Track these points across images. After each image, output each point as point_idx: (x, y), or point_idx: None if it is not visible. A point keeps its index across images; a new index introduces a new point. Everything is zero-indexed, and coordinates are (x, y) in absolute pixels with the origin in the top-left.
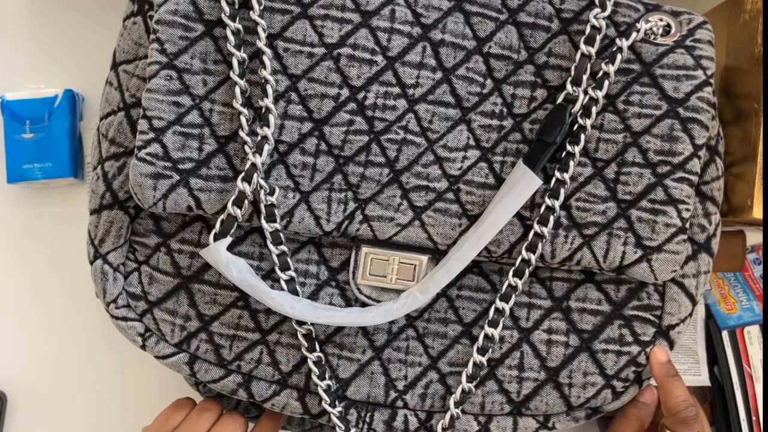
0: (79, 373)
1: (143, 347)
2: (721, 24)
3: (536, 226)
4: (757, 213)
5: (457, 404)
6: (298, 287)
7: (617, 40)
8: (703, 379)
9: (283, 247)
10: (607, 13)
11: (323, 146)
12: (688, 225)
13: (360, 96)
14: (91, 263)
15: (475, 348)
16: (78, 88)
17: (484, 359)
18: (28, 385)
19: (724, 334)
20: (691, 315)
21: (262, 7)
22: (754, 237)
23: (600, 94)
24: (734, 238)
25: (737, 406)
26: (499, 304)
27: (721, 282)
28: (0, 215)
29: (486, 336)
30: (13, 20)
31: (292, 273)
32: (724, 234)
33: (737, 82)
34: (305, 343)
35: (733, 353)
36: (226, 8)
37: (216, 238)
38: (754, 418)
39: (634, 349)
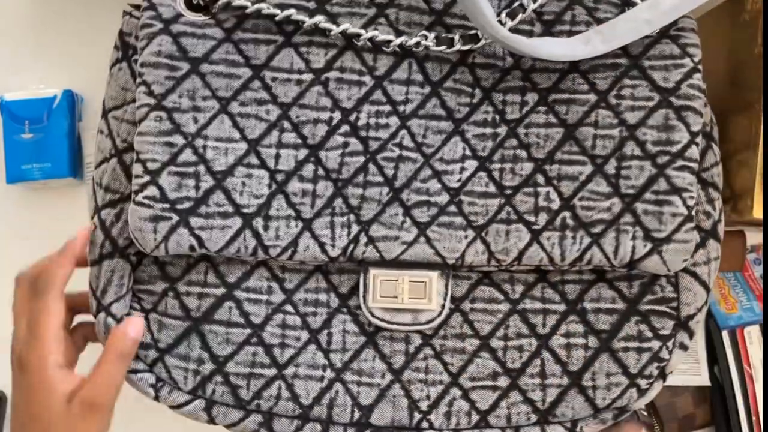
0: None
1: (156, 398)
2: (721, 24)
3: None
4: (757, 213)
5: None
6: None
7: None
8: (703, 379)
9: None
10: None
11: (321, 171)
12: (693, 213)
13: (352, 117)
14: (95, 317)
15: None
16: (77, 89)
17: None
18: None
19: (724, 334)
20: (706, 303)
21: None
22: (754, 237)
23: None
24: (734, 238)
25: (737, 406)
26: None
27: (721, 282)
28: None
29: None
30: (13, 20)
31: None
32: (724, 234)
33: (742, 75)
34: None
35: (733, 353)
36: None
37: None
38: (754, 418)
39: (655, 344)
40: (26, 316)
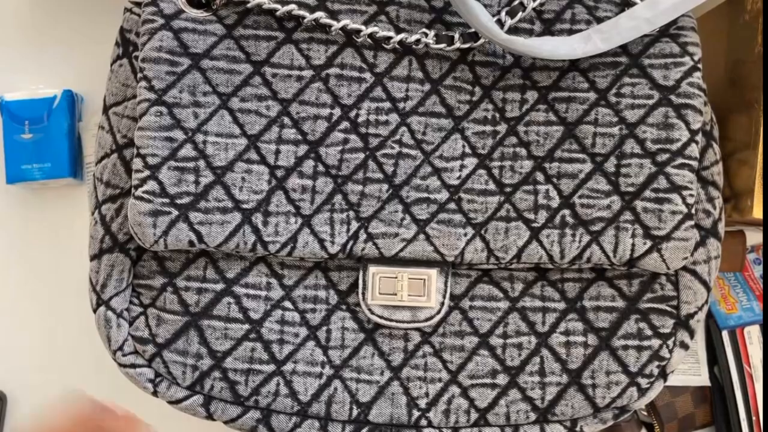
0: (79, 373)
1: (155, 393)
2: (721, 24)
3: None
4: (757, 213)
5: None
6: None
7: None
8: (703, 379)
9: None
10: None
11: (320, 167)
12: (693, 211)
13: (352, 114)
14: (95, 311)
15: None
16: (77, 89)
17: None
18: (28, 385)
19: (724, 334)
20: (707, 302)
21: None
22: (754, 237)
23: None
24: (734, 238)
25: (737, 406)
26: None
27: (721, 282)
28: None
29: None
30: (12, 21)
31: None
32: (725, 234)
33: (742, 74)
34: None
35: (733, 353)
36: None
37: None
38: (754, 418)
39: (655, 342)
40: None
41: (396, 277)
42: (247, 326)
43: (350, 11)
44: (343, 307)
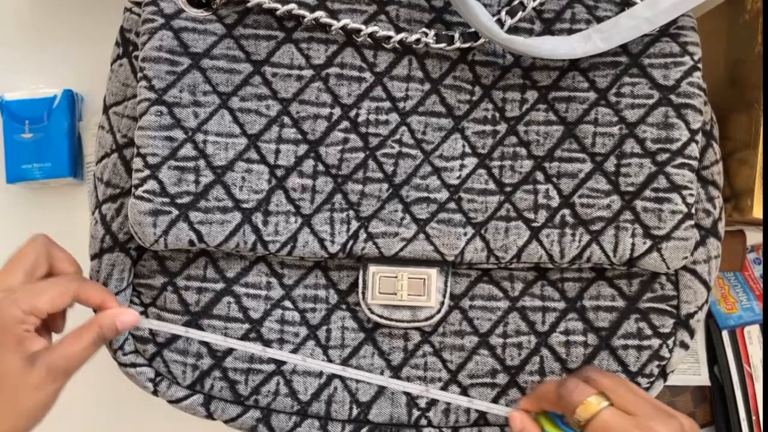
0: (79, 373)
1: (155, 393)
2: (721, 24)
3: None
4: (757, 213)
5: None
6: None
7: None
8: (703, 379)
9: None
10: None
11: (320, 167)
12: (693, 210)
13: (352, 113)
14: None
15: None
16: (77, 88)
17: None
18: None
19: (724, 334)
20: (707, 302)
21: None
22: (754, 237)
23: None
24: (734, 238)
25: (737, 406)
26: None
27: (721, 282)
28: None
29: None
30: (13, 20)
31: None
32: (725, 233)
33: (742, 74)
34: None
35: (733, 353)
36: None
37: None
38: (754, 418)
39: (655, 342)
40: (28, 268)
41: (396, 277)
42: (247, 326)
43: (350, 11)
44: (343, 306)
